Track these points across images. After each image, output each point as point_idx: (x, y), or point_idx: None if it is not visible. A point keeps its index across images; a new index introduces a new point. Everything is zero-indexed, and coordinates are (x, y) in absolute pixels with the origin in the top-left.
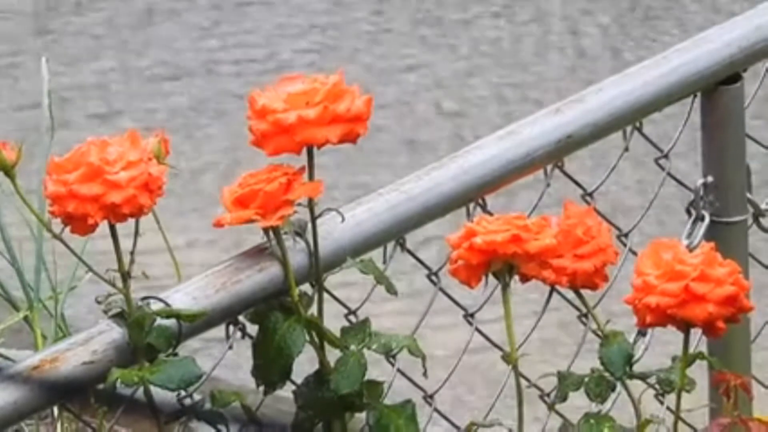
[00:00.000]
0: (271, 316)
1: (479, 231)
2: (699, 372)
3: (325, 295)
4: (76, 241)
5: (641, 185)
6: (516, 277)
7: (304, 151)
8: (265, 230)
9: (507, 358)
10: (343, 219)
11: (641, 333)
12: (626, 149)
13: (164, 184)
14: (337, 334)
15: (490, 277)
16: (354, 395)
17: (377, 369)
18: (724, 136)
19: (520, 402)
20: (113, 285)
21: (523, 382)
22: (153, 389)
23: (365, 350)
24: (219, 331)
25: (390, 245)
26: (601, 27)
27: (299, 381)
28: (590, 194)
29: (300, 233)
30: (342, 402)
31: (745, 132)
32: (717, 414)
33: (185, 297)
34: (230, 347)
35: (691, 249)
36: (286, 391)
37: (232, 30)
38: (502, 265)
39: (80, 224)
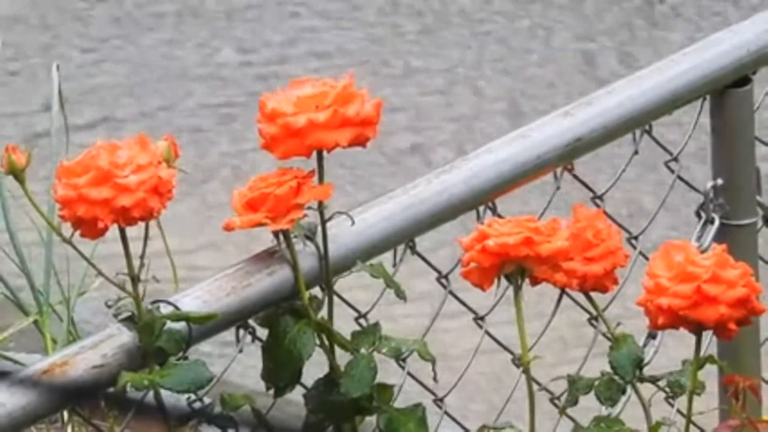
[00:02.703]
0: (281, 319)
1: (491, 233)
2: (710, 375)
3: (336, 299)
4: (85, 244)
5: (651, 188)
6: (526, 280)
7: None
8: (275, 234)
9: (519, 361)
10: (353, 222)
11: (651, 336)
12: (636, 152)
13: (174, 187)
14: (348, 337)
15: (501, 280)
16: (364, 398)
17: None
18: (733, 139)
19: (531, 405)
20: (123, 288)
21: (534, 386)
22: (163, 393)
23: (375, 353)
24: (229, 334)
25: (400, 248)
26: (610, 30)
27: (309, 384)
28: (600, 197)
29: (310, 237)
30: (352, 405)
31: (754, 135)
32: (727, 416)
33: (195, 301)
34: (240, 351)
35: (701, 252)
36: (297, 395)
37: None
38: (514, 268)
39: (90, 228)
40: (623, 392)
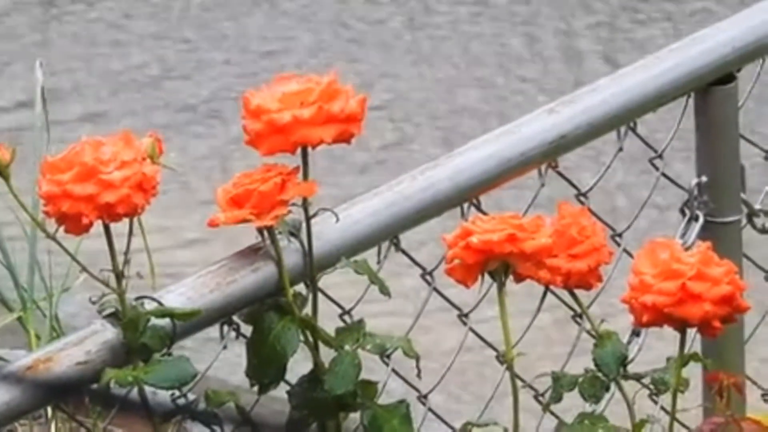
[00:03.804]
0: (266, 316)
1: (475, 230)
2: (694, 372)
3: (320, 296)
4: (70, 240)
5: (635, 185)
6: (510, 277)
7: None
8: (260, 230)
9: (502, 358)
10: (338, 219)
11: (635, 333)
12: (620, 149)
13: (158, 183)
14: (332, 333)
15: (486, 277)
16: (348, 395)
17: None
18: (717, 136)
19: (515, 402)
20: (107, 285)
21: (518, 382)
22: (147, 389)
23: (359, 350)
24: (214, 331)
25: (384, 245)
26: (593, 27)
27: (294, 381)
28: (584, 194)
29: (294, 233)
30: (336, 402)
31: (738, 132)
32: (711, 414)
33: (179, 297)
34: (225, 347)
35: (685, 249)
36: (281, 391)
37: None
38: (498, 265)
39: (74, 224)
40: (607, 389)
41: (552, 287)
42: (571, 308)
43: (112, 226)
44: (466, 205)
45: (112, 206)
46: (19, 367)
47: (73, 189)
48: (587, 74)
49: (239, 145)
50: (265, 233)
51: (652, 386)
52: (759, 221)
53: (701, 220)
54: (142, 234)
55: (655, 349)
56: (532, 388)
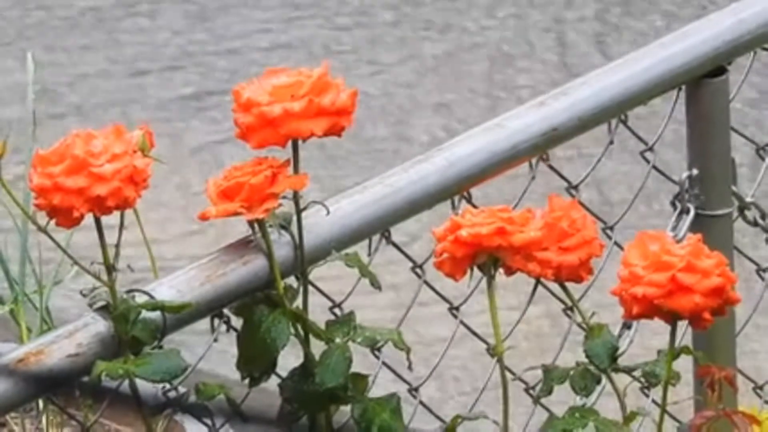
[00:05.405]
0: (256, 309)
1: (464, 224)
2: (685, 365)
3: (311, 288)
4: (61, 233)
5: (626, 178)
6: (501, 270)
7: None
8: (250, 223)
9: (493, 351)
10: (328, 212)
11: (626, 326)
12: (611, 142)
13: (149, 176)
14: (322, 326)
15: (476, 270)
16: (339, 388)
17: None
18: (708, 129)
19: (505, 395)
20: (98, 278)
21: (509, 375)
22: (138, 382)
23: (350, 343)
24: (205, 323)
25: (375, 238)
26: (585, 19)
27: (284, 374)
28: (575, 187)
29: (285, 226)
30: (327, 395)
31: (729, 125)
32: (702, 406)
33: (170, 290)
34: (215, 340)
35: (676, 242)
36: (272, 384)
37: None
38: (487, 258)
39: (65, 217)
40: (598, 382)
41: (543, 280)
42: (562, 301)
43: (104, 219)
44: (457, 198)
45: (103, 199)
46: (11, 360)
47: (64, 182)
48: (579, 67)
49: (231, 139)
50: (256, 226)
51: (643, 379)
52: (750, 214)
53: (692, 212)
54: (139, 226)
55: (647, 340)
56: (522, 381)
